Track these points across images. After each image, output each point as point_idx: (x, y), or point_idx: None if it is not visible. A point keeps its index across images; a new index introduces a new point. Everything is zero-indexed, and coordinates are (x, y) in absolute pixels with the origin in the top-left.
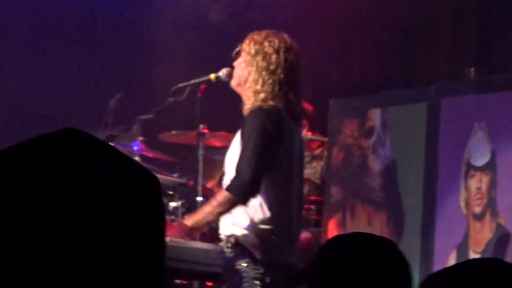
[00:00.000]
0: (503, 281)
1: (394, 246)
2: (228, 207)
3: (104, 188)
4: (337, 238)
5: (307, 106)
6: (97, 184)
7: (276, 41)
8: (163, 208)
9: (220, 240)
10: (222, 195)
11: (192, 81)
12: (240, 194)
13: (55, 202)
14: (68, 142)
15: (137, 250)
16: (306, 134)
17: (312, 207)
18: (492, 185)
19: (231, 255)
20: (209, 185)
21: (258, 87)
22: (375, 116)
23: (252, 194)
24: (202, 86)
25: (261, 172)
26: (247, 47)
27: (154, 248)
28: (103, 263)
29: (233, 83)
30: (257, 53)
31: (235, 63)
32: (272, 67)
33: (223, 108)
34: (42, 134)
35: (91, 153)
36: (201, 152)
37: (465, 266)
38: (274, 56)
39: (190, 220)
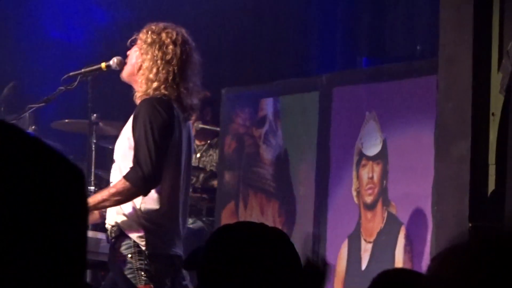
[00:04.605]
0: None
1: (283, 235)
2: (127, 197)
3: (28, 180)
4: (224, 227)
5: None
6: (20, 174)
7: (174, 33)
8: (86, 200)
9: (106, 229)
10: (121, 184)
11: (83, 70)
12: (141, 186)
13: None
14: None
15: (59, 241)
16: (198, 123)
17: (205, 195)
18: (384, 174)
19: (116, 245)
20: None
21: (152, 75)
22: (267, 105)
23: (155, 185)
24: (93, 75)
25: (161, 162)
26: (144, 36)
27: (76, 239)
28: (25, 254)
29: (125, 72)
30: (153, 42)
31: (130, 52)
32: (167, 57)
33: (115, 97)
34: None
35: (15, 143)
36: (93, 141)
37: None
38: (170, 47)
39: None
